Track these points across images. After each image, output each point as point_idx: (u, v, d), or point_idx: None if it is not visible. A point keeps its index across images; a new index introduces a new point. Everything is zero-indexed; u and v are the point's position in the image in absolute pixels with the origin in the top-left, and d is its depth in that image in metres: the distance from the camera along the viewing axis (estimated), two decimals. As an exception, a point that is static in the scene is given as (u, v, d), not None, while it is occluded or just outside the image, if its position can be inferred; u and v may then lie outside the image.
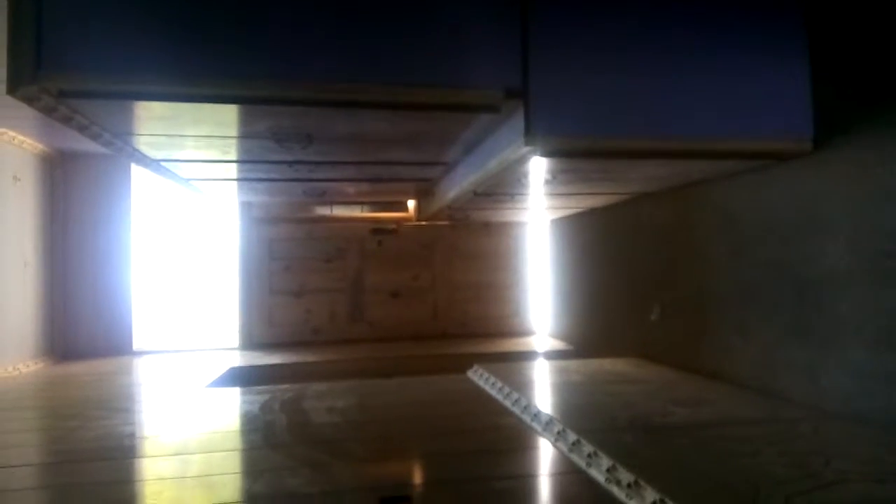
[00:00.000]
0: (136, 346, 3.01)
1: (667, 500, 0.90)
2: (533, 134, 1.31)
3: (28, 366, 2.61)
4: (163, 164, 1.95)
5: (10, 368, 2.47)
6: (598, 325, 2.65)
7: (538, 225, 3.34)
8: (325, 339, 3.16)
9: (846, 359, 1.33)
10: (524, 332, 3.33)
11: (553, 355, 2.79)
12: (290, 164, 1.92)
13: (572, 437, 1.24)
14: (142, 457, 1.30)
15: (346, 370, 2.63)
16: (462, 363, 2.37)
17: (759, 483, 0.95)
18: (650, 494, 0.93)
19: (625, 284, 2.39)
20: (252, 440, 1.40)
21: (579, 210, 2.68)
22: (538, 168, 1.55)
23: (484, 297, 3.34)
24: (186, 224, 4.20)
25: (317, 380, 2.53)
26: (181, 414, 1.67)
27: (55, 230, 2.88)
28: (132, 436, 1.44)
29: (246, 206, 3.15)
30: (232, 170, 2.09)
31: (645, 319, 2.19)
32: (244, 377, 2.53)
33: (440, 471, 1.19)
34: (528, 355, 2.78)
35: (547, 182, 1.75)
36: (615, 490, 1.01)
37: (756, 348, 1.62)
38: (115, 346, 2.97)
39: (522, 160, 1.42)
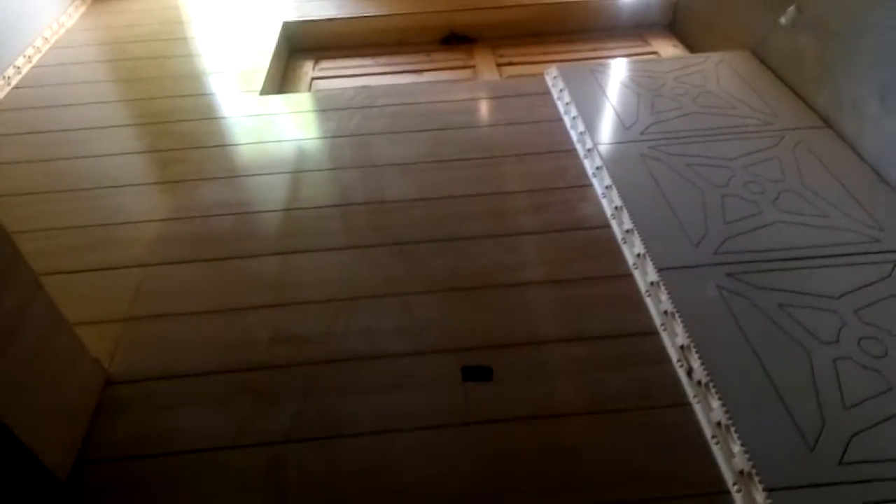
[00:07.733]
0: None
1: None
2: None
3: (75, 12, 2.45)
4: None
5: (55, 26, 2.31)
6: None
7: None
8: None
9: None
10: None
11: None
12: None
13: (639, 248, 1.22)
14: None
15: (414, 28, 2.36)
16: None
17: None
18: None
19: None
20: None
21: None
22: None
23: None
24: None
25: (381, 46, 2.33)
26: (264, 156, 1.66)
27: None
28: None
29: None
30: None
31: (775, 15, 1.76)
32: (300, 38, 2.35)
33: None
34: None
35: None
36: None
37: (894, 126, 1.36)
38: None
39: None
